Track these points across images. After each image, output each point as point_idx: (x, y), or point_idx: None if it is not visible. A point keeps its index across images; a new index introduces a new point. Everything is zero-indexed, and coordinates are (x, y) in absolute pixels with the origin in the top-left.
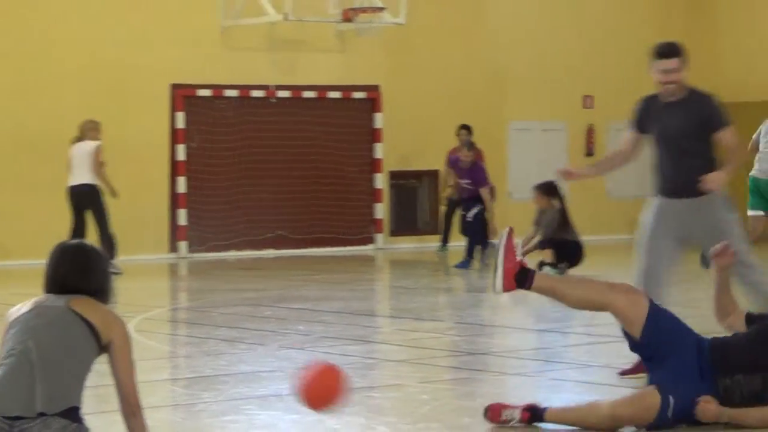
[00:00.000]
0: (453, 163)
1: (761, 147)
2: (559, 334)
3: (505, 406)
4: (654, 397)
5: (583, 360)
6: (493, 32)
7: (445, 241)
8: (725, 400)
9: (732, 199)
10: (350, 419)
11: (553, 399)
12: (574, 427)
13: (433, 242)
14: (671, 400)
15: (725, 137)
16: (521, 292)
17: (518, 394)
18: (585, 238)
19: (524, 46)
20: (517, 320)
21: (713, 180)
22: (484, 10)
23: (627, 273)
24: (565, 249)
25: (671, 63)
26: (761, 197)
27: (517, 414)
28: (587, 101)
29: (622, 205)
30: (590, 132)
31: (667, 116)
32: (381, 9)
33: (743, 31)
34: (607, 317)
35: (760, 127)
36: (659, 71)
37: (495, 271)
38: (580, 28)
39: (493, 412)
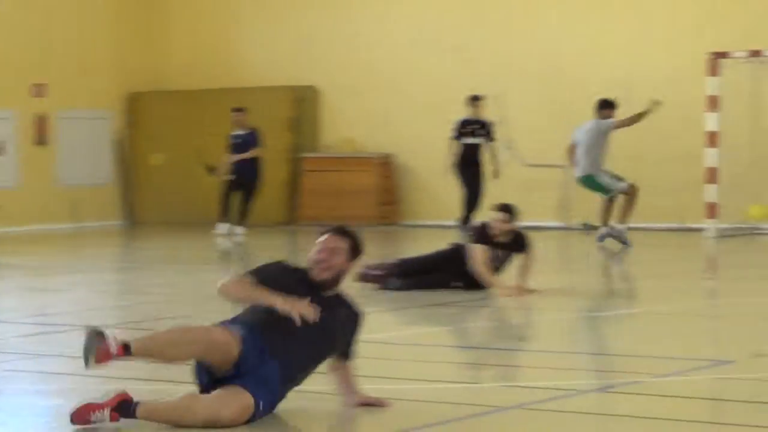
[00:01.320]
0: None
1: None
2: (11, 324)
3: (93, 408)
4: (247, 397)
5: (36, 350)
6: None
7: None
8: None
9: None
10: None
11: (7, 389)
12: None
13: None
14: (259, 401)
15: None
16: None
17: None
18: (32, 228)
19: None
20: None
21: None
22: None
23: (70, 262)
24: None
25: None
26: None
27: (106, 414)
28: (38, 89)
29: (69, 191)
30: (41, 120)
31: None
32: None
33: (193, 20)
34: (60, 306)
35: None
36: None
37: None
38: (30, 16)
39: (80, 415)
